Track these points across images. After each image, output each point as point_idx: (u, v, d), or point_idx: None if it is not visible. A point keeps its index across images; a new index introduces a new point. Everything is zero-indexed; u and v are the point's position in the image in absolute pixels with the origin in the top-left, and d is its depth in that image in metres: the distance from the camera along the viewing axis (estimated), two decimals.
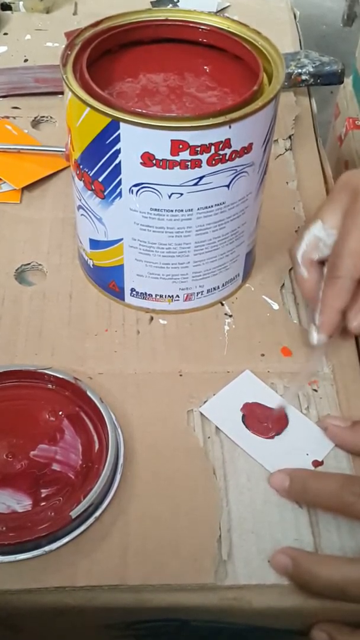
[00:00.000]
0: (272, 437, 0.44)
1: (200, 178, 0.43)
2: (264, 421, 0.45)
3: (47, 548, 0.38)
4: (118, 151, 0.42)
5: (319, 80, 0.70)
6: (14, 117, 0.68)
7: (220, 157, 0.42)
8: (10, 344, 0.49)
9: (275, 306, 0.52)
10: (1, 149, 0.63)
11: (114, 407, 0.45)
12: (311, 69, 0.70)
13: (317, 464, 0.43)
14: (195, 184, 0.43)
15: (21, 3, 0.83)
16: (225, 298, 0.53)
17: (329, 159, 0.67)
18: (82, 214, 0.49)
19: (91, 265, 0.52)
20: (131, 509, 0.41)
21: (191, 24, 0.49)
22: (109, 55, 0.48)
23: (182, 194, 0.44)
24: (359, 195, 0.44)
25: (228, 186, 0.44)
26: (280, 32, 0.80)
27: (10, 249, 0.56)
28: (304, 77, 0.70)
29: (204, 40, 0.49)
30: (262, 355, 0.49)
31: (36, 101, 0.70)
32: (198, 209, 0.45)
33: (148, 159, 0.42)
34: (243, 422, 0.45)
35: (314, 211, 0.49)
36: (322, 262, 0.48)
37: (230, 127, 0.41)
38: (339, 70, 0.70)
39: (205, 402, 0.46)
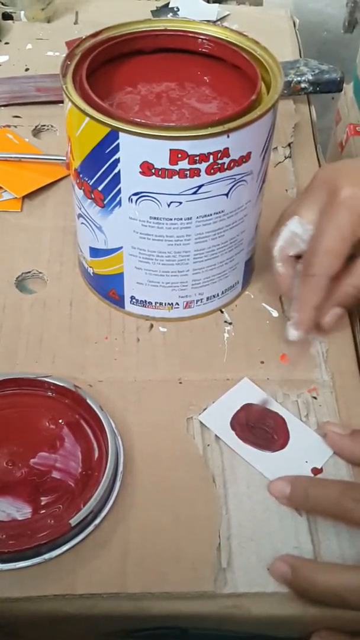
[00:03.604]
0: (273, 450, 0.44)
1: (199, 187, 0.43)
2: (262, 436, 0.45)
3: (46, 556, 0.39)
4: (117, 160, 0.43)
5: (318, 89, 0.71)
6: (15, 126, 0.68)
7: (219, 166, 0.42)
8: (11, 351, 0.49)
9: (275, 314, 0.53)
10: (2, 158, 0.63)
11: (113, 414, 0.45)
12: (310, 77, 0.70)
13: (316, 471, 0.43)
14: (194, 193, 0.43)
15: (22, 12, 0.84)
16: (225, 305, 0.53)
17: None
18: (82, 223, 0.50)
19: (91, 273, 0.52)
20: (131, 516, 0.41)
21: (190, 34, 0.49)
22: (109, 65, 0.48)
23: (181, 203, 0.44)
24: (336, 193, 0.45)
25: (227, 195, 0.45)
26: (279, 40, 0.80)
27: (10, 257, 0.56)
28: (303, 86, 0.70)
29: (203, 50, 0.49)
30: (262, 362, 0.49)
31: (37, 110, 0.70)
32: (197, 217, 0.45)
33: (147, 168, 0.42)
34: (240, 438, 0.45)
35: (290, 206, 0.49)
36: (298, 257, 0.48)
37: (228, 136, 0.41)
38: (338, 78, 0.71)
39: (204, 409, 0.46)
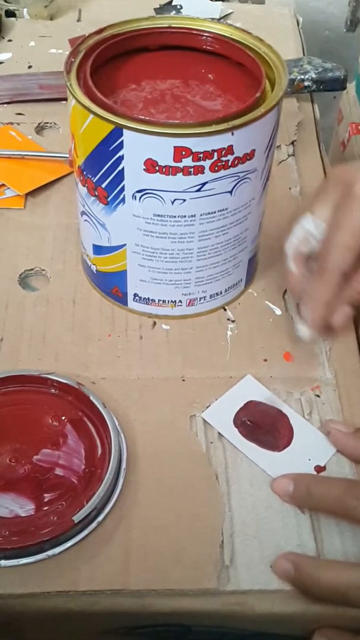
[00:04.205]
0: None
1: (203, 184, 0.43)
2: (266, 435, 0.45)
3: (49, 552, 0.39)
4: (121, 157, 0.43)
5: (321, 87, 0.71)
6: (18, 123, 0.68)
7: (223, 163, 0.42)
8: (14, 349, 0.49)
9: (278, 311, 0.53)
10: (5, 155, 0.63)
11: (116, 412, 0.45)
12: (314, 75, 0.70)
13: (319, 469, 0.43)
14: (198, 190, 0.43)
15: (25, 10, 0.84)
16: (228, 303, 0.53)
17: (332, 164, 0.67)
18: (85, 220, 0.50)
19: (94, 271, 0.52)
20: (134, 513, 0.41)
21: (194, 32, 0.49)
22: (113, 63, 0.48)
23: (185, 200, 0.44)
24: (351, 190, 0.44)
25: (231, 192, 0.45)
26: (283, 38, 0.80)
27: (13, 254, 0.56)
28: (306, 84, 0.70)
29: (208, 48, 0.49)
30: (265, 360, 0.49)
31: (40, 107, 0.70)
32: (201, 214, 0.45)
33: (151, 166, 0.42)
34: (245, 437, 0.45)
35: (305, 204, 0.48)
36: (310, 257, 0.47)
37: (232, 133, 0.41)
38: (342, 77, 0.71)
39: (207, 407, 0.46)
